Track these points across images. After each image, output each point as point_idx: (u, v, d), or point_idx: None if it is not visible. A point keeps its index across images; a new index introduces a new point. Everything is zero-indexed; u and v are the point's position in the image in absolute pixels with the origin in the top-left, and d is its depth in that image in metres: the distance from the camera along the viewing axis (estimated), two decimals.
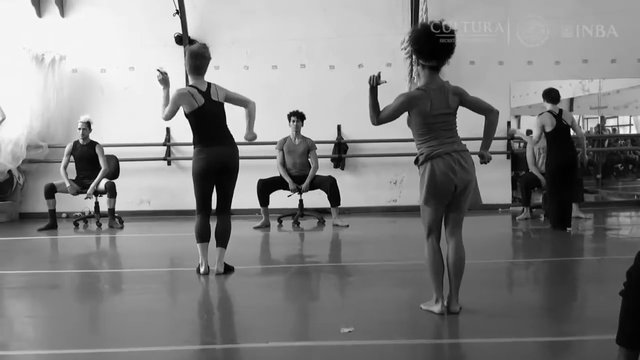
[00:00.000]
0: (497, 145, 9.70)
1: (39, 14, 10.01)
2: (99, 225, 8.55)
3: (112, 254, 7.29)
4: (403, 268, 5.27)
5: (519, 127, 12.24)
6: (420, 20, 8.84)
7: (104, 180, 8.43)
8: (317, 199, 8.63)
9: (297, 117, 8.22)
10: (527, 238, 7.63)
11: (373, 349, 3.24)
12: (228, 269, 5.16)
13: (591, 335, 3.36)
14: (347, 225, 8.01)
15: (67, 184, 8.32)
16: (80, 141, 8.51)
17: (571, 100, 12.27)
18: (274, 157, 8.58)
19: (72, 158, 8.55)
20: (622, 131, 14.35)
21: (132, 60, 9.95)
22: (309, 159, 8.33)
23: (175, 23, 9.54)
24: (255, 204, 8.59)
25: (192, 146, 5.15)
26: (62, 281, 5.48)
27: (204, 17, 9.87)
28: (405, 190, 9.68)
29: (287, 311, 4.18)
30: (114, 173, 8.74)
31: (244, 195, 9.15)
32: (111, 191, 8.40)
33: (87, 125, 8.49)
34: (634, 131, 14.05)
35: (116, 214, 8.53)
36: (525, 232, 7.87)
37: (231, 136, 5.18)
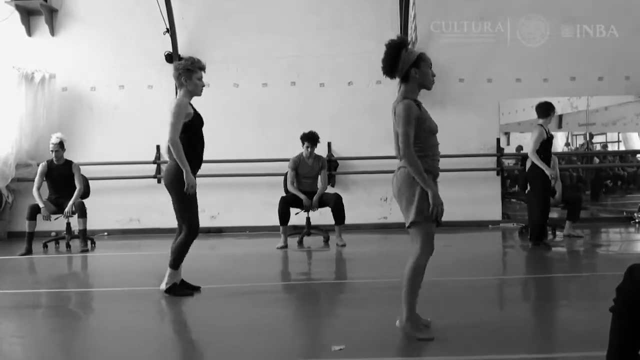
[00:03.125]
0: (487, 161, 9.74)
1: (29, 32, 10.02)
2: (69, 247, 8.18)
3: (100, 273, 7.17)
4: (394, 285, 5.23)
5: (508, 144, 12.28)
6: (409, 39, 8.90)
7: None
8: (324, 216, 8.52)
9: (310, 142, 7.96)
10: (516, 255, 7.62)
11: None
12: (192, 288, 5.16)
13: (581, 351, 3.35)
14: (344, 245, 7.84)
15: (42, 207, 7.85)
16: (55, 161, 8.15)
17: (560, 117, 12.35)
18: (266, 175, 8.57)
19: (44, 178, 8.16)
20: (611, 148, 14.46)
21: (122, 79, 9.95)
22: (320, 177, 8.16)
23: (166, 41, 9.57)
24: (243, 221, 8.54)
25: None
26: (48, 301, 5.43)
27: (194, 35, 9.90)
28: (396, 207, 9.54)
29: (278, 329, 4.14)
30: (84, 193, 8.34)
31: (232, 214, 9.22)
32: (81, 211, 8.00)
33: (60, 145, 8.08)
34: (622, 148, 14.17)
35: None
36: (515, 249, 7.86)
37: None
